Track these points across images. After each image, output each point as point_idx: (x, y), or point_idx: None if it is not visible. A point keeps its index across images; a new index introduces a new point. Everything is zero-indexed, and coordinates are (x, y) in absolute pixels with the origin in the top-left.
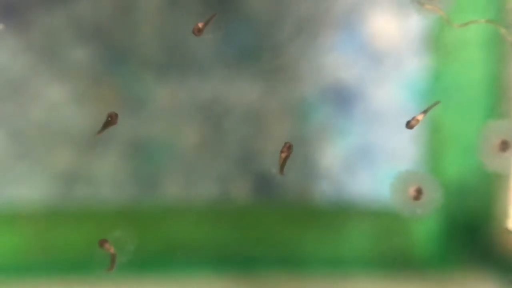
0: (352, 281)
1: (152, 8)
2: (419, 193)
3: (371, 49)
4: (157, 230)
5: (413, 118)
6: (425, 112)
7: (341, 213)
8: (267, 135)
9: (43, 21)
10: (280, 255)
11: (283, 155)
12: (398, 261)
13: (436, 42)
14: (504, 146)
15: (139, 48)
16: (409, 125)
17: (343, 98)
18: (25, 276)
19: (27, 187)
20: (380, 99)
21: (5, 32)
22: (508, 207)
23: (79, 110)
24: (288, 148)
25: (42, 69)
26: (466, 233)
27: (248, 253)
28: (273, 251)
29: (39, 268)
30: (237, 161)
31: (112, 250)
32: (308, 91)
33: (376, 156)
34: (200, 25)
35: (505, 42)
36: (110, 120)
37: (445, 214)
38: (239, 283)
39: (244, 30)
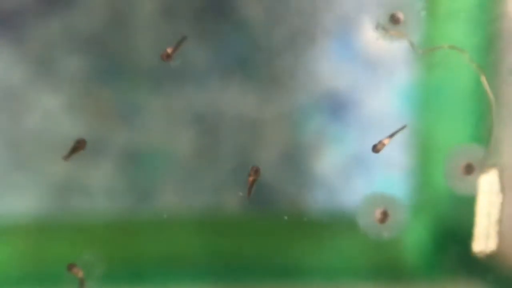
0: None
1: (146, 18)
2: (384, 215)
3: (364, 57)
4: (150, 240)
5: (379, 142)
6: (391, 136)
7: (334, 223)
8: (262, 143)
9: (38, 32)
10: (273, 266)
11: (251, 178)
12: (389, 271)
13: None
14: (468, 169)
15: (133, 58)
16: (375, 149)
17: (337, 106)
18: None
19: (21, 197)
20: (373, 107)
21: (0, 42)
22: (473, 229)
23: (74, 120)
24: (255, 172)
25: (37, 79)
26: (455, 243)
27: (241, 264)
28: (266, 261)
29: (30, 280)
30: (231, 170)
31: (80, 274)
32: (303, 100)
33: (369, 163)
34: (169, 50)
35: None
36: (78, 146)
37: (435, 224)
38: None
39: (238, 40)
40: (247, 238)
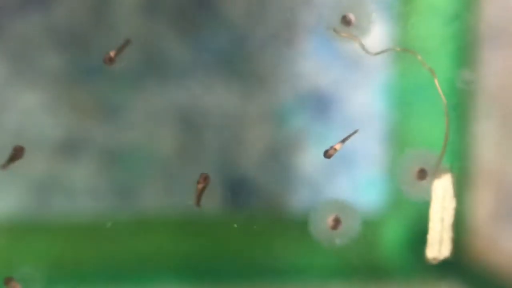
0: None
1: (127, 15)
2: (337, 222)
3: (347, 55)
4: (132, 240)
5: (331, 148)
6: (343, 141)
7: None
8: (244, 142)
9: (17, 29)
10: (253, 265)
11: (200, 186)
12: (365, 270)
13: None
14: (422, 174)
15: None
16: (327, 154)
17: (320, 104)
18: None
19: (0, 197)
20: (356, 105)
21: None
22: (427, 235)
23: (54, 119)
24: (205, 179)
25: (15, 77)
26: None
27: (222, 264)
28: (246, 261)
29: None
30: (214, 169)
31: None
32: (286, 98)
33: (352, 162)
34: (112, 54)
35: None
36: (16, 154)
37: (411, 223)
38: None
39: (221, 38)
40: (228, 237)
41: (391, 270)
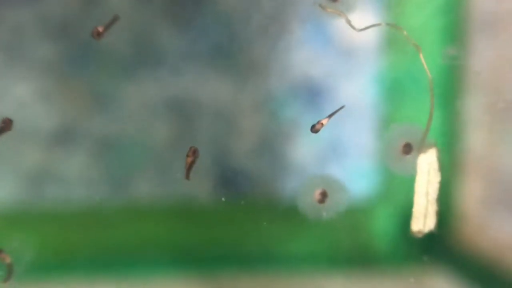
0: (317, 277)
1: (120, 4)
2: (324, 196)
3: (338, 45)
4: (123, 229)
5: (318, 122)
6: (330, 116)
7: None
8: (237, 131)
9: (10, 18)
10: (246, 253)
11: (189, 159)
12: (358, 257)
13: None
14: (407, 149)
15: (108, 45)
16: (313, 129)
17: (312, 94)
18: None
19: None
20: (348, 94)
21: None
22: (412, 209)
23: (47, 108)
24: (194, 152)
25: (9, 67)
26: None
27: (215, 252)
28: (239, 249)
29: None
30: (207, 158)
31: (8, 259)
32: (278, 87)
33: (344, 150)
34: (100, 28)
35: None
36: (4, 126)
37: (403, 211)
38: (203, 281)
39: (214, 27)
40: (221, 226)
41: (382, 257)
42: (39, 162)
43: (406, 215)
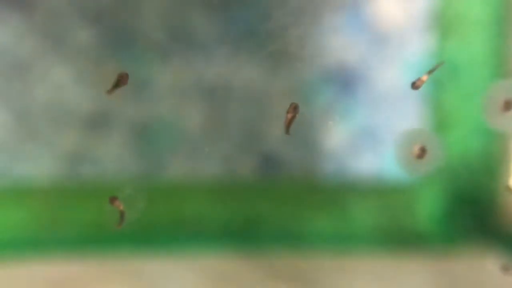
0: (356, 257)
1: None
2: (423, 151)
3: (374, 30)
4: (163, 207)
5: (418, 79)
6: (430, 72)
7: (345, 191)
8: (270, 116)
9: (47, 2)
10: (284, 232)
11: (289, 115)
12: (402, 237)
13: (438, 21)
14: (507, 105)
15: (143, 29)
16: (414, 85)
17: (346, 80)
18: (34, 250)
19: (34, 166)
20: (383, 80)
21: (10, 14)
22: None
23: (83, 91)
24: (294, 108)
25: (47, 50)
26: (467, 209)
27: (252, 230)
28: (277, 228)
29: (47, 242)
30: (241, 141)
31: (121, 207)
32: (312, 73)
33: (379, 137)
34: None
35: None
36: (120, 80)
37: (447, 191)
38: (243, 259)
39: (248, 12)
40: (257, 205)
41: (427, 238)
42: (76, 143)
43: (450, 194)
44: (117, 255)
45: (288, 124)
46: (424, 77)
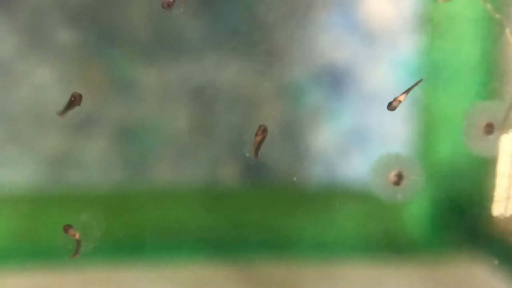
0: (343, 265)
1: None
2: (399, 177)
3: (363, 29)
4: (146, 213)
5: (395, 99)
6: (407, 92)
7: (332, 196)
8: (258, 117)
9: (30, 2)
10: (270, 240)
11: (258, 138)
12: (388, 244)
13: (427, 21)
14: (489, 128)
15: (127, 30)
16: (390, 106)
17: (335, 80)
18: (8, 260)
19: (14, 170)
20: (373, 80)
21: None
22: (494, 192)
23: (66, 93)
24: (263, 131)
25: (29, 51)
26: (455, 216)
27: (237, 237)
28: (262, 235)
29: (23, 253)
30: (227, 144)
31: (77, 236)
32: (300, 73)
33: (368, 138)
34: None
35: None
36: (74, 100)
37: (435, 197)
38: (227, 266)
39: (235, 12)
40: (242, 211)
41: (415, 245)
42: (58, 146)
43: (439, 201)
44: (98, 264)
45: (257, 148)
46: (401, 97)
